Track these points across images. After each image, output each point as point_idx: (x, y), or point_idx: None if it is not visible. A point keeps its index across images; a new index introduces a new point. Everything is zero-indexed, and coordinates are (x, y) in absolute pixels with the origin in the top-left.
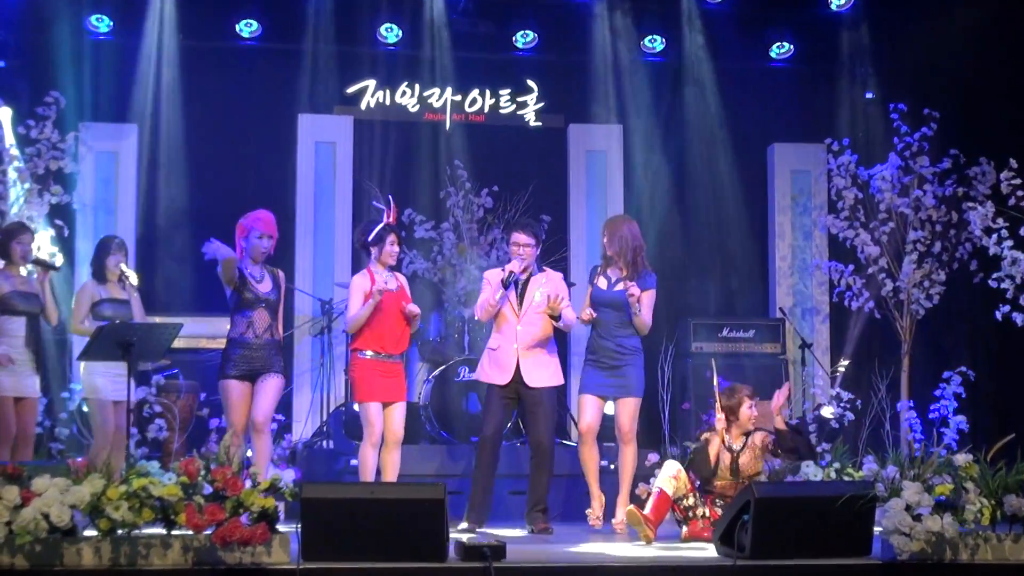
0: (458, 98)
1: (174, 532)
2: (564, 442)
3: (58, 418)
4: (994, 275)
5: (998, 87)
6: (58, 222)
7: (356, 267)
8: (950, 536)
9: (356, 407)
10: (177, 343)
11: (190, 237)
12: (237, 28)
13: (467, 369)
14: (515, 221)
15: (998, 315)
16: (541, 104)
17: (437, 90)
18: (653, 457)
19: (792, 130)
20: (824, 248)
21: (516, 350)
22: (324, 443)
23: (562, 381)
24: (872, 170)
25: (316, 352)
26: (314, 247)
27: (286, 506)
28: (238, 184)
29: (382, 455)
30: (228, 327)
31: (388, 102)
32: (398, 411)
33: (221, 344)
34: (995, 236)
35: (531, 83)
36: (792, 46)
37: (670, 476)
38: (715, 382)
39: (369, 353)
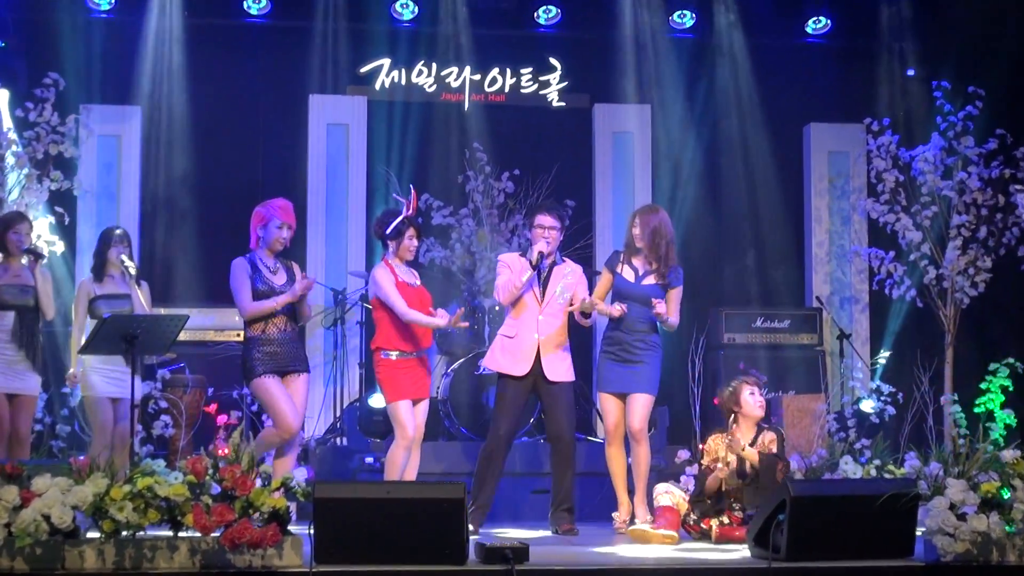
0: (477, 77)
1: (181, 534)
2: (589, 438)
3: (59, 415)
4: None
5: None
6: (58, 209)
7: (370, 255)
8: (997, 537)
9: (370, 402)
10: (183, 336)
11: (196, 224)
12: (245, 5)
13: None
14: (540, 203)
15: None
16: (565, 83)
17: (455, 69)
18: (684, 454)
19: (829, 109)
20: (863, 233)
21: (537, 341)
22: (338, 440)
23: (574, 377)
24: (914, 151)
25: (329, 345)
26: (326, 235)
27: (298, 506)
28: (246, 169)
29: None
30: (240, 321)
31: (404, 82)
32: (422, 408)
33: (229, 336)
34: None
35: (554, 61)
36: (829, 21)
37: (664, 492)
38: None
39: (395, 354)
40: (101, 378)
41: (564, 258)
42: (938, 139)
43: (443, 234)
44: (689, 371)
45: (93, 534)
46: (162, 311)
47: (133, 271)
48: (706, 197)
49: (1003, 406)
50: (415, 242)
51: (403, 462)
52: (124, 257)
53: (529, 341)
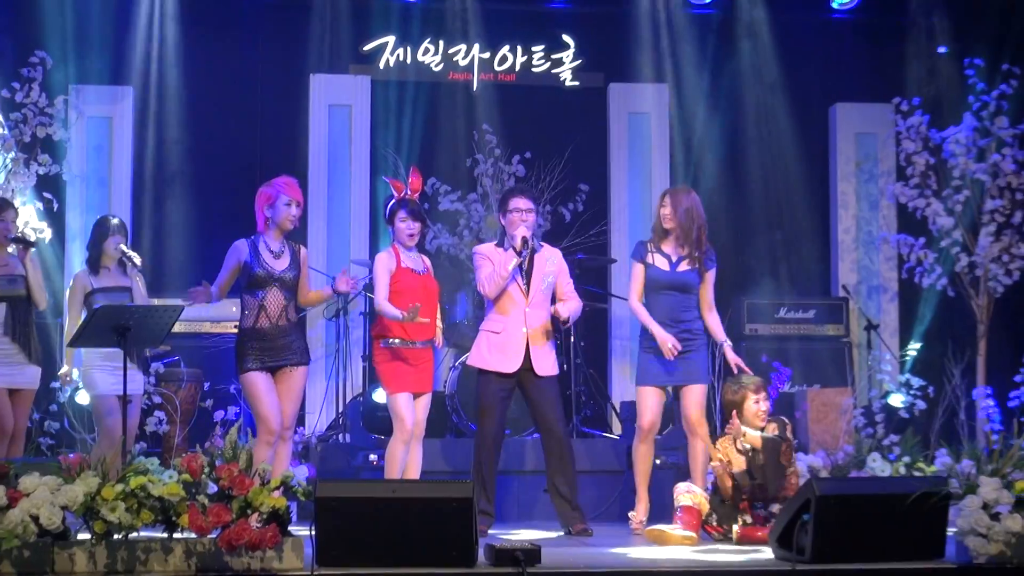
0: (486, 55)
1: (175, 535)
2: (606, 435)
3: (48, 411)
4: None
5: None
6: (46, 195)
7: (374, 243)
8: None
9: (374, 397)
10: (178, 327)
11: (191, 210)
12: None
13: None
14: (512, 187)
15: None
16: (578, 61)
17: (463, 47)
18: None
19: (856, 89)
20: (892, 219)
21: (526, 334)
22: (340, 437)
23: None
24: (945, 132)
25: (331, 337)
26: (328, 221)
27: (299, 506)
28: (244, 153)
29: None
30: (238, 312)
31: (409, 60)
32: (424, 402)
33: (225, 328)
34: None
35: (567, 38)
36: None
37: (685, 492)
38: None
39: (395, 341)
40: (105, 375)
41: (541, 243)
42: (971, 119)
43: (451, 220)
44: (709, 364)
45: (84, 536)
46: (156, 302)
47: (138, 261)
48: (726, 181)
49: None
50: (408, 225)
51: (402, 457)
52: (124, 247)
53: (517, 335)
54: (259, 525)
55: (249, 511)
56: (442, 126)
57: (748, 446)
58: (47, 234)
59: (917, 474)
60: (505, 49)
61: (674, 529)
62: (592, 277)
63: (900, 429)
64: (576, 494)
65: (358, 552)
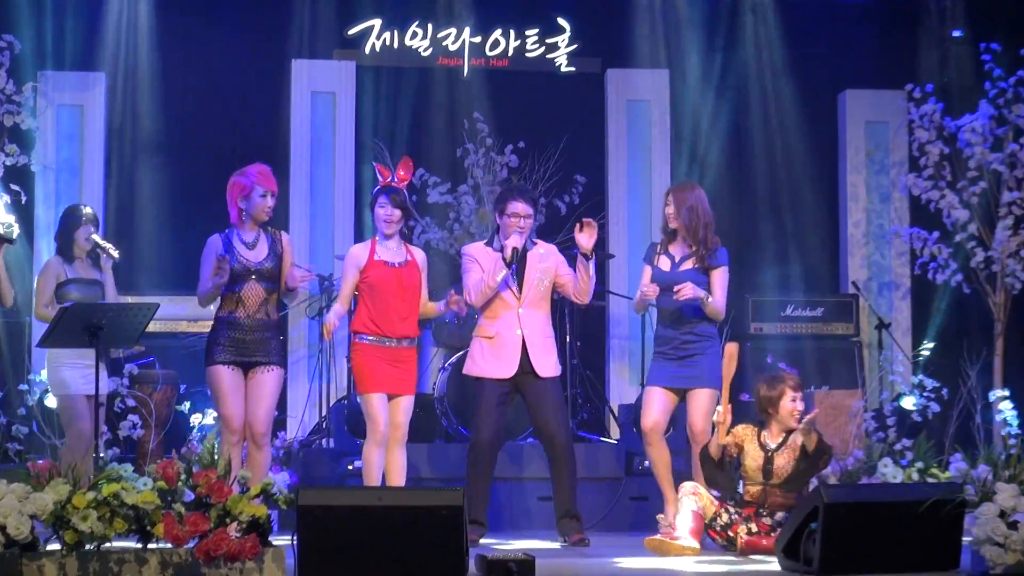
0: (478, 40)
1: (150, 545)
2: (604, 439)
3: (15, 414)
4: None
5: None
6: (14, 187)
7: (359, 237)
8: None
9: (359, 400)
10: (153, 326)
11: (167, 203)
12: None
13: None
14: (510, 187)
15: None
16: (574, 46)
17: (453, 30)
18: None
19: (867, 74)
20: (904, 212)
21: (521, 336)
22: (324, 442)
23: (560, 370)
24: (960, 121)
25: (314, 336)
26: (311, 214)
27: (280, 515)
28: (222, 142)
29: (385, 457)
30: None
31: (396, 45)
32: (403, 405)
33: (204, 328)
34: None
35: (563, 22)
36: None
37: (689, 494)
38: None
39: (369, 337)
40: (75, 374)
41: (535, 239)
42: (987, 107)
43: (440, 213)
44: (719, 370)
45: (53, 546)
46: (129, 299)
47: (115, 253)
48: (730, 173)
49: None
50: (389, 211)
51: (378, 461)
52: (97, 238)
53: (512, 339)
54: (238, 535)
55: (228, 520)
56: (431, 114)
57: (773, 444)
58: (15, 229)
59: (931, 480)
60: (497, 33)
61: (675, 539)
62: None
63: (913, 433)
64: (575, 502)
65: (342, 563)
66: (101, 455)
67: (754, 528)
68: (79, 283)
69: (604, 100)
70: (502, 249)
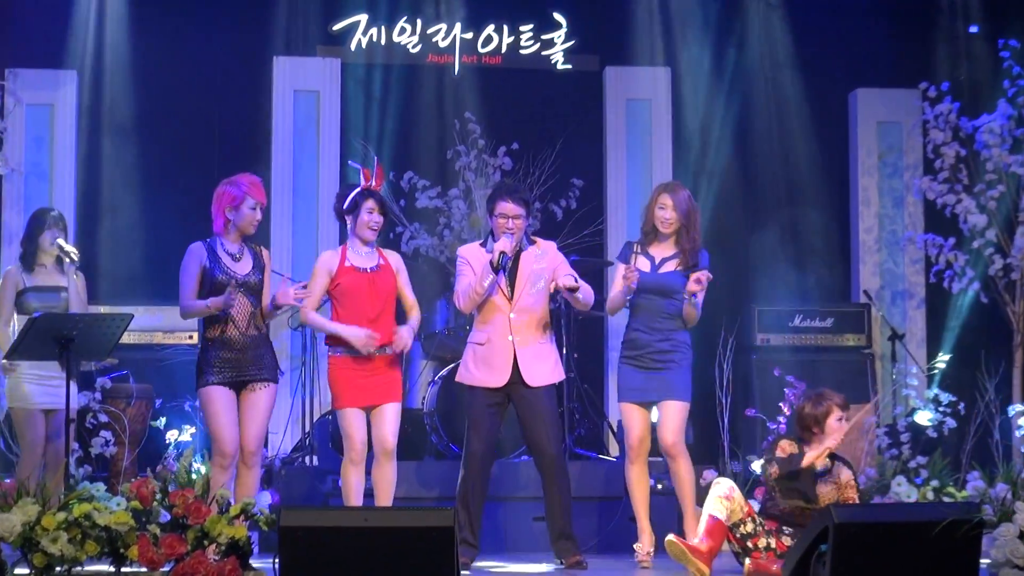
0: (469, 36)
1: (124, 569)
2: (602, 456)
3: None
4: None
5: None
6: None
7: (344, 241)
8: None
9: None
10: (126, 338)
11: (142, 208)
12: None
13: None
14: (500, 186)
15: None
16: (571, 43)
17: (443, 26)
18: (710, 475)
19: (879, 72)
20: (919, 217)
21: (512, 343)
22: (306, 459)
23: (563, 376)
24: (977, 121)
25: (297, 348)
26: (293, 220)
27: (261, 536)
28: (200, 144)
29: (372, 472)
30: (193, 322)
31: (383, 41)
32: (388, 414)
33: (179, 339)
34: None
35: (559, 17)
36: None
37: (721, 496)
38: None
39: (342, 349)
40: (36, 387)
41: (531, 239)
42: (1006, 107)
43: (430, 219)
44: (716, 377)
45: (22, 570)
46: (102, 309)
47: (75, 256)
48: (735, 175)
49: None
50: (376, 217)
51: (356, 482)
52: (61, 241)
53: (503, 345)
54: (217, 558)
55: (206, 542)
56: (420, 114)
57: (819, 467)
58: None
59: (947, 500)
60: (490, 29)
61: (695, 554)
62: (586, 281)
63: (928, 450)
64: (570, 522)
65: None
66: (72, 474)
67: (772, 543)
68: (38, 291)
69: (602, 99)
70: (490, 260)
